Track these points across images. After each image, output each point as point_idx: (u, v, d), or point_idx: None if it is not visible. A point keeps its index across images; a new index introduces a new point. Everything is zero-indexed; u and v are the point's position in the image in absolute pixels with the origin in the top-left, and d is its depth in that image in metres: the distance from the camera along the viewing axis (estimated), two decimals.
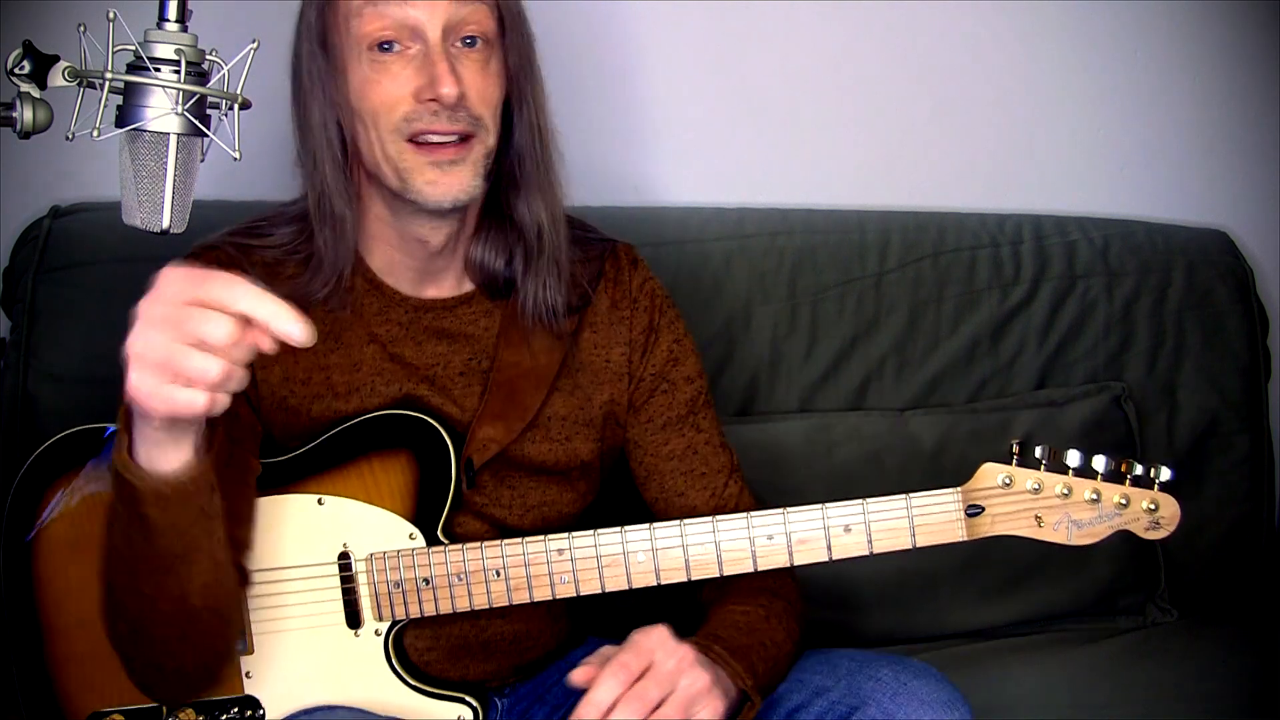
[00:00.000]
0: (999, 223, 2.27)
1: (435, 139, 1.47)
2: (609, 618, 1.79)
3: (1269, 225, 2.40)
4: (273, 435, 1.54)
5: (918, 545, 1.50)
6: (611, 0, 2.24)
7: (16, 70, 1.27)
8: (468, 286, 1.61)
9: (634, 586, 1.52)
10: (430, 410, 1.55)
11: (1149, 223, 2.33)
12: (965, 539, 1.50)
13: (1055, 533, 1.49)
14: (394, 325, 1.58)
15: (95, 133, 1.25)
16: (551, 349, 1.61)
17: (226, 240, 1.57)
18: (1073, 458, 1.48)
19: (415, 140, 1.47)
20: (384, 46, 1.47)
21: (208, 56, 1.30)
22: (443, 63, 1.46)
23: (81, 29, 1.26)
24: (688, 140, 2.30)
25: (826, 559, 1.50)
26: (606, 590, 1.52)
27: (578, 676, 1.36)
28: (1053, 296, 2.22)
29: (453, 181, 1.48)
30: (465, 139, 1.48)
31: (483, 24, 1.50)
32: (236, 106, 1.31)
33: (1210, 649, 2.05)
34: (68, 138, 1.26)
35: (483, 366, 1.59)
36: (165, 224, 1.30)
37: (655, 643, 1.38)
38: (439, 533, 1.53)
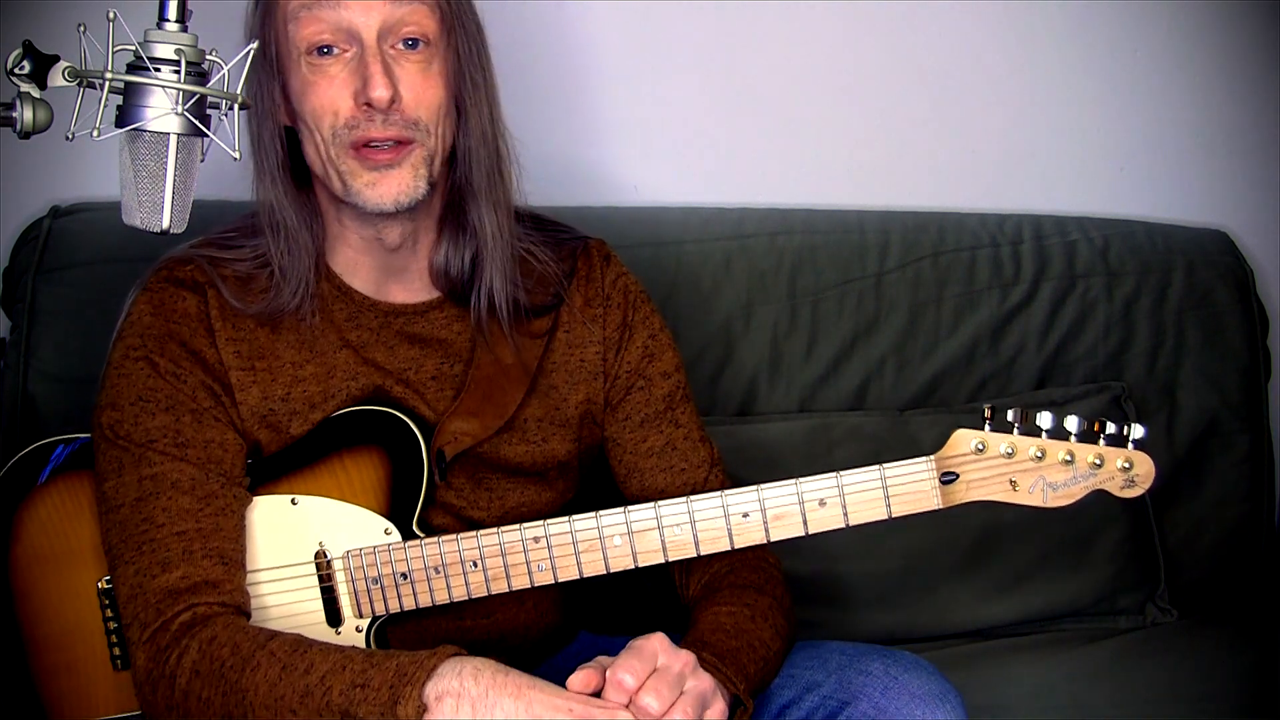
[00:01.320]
0: (999, 223, 2.27)
1: (375, 145, 1.47)
2: (602, 613, 1.79)
3: (1269, 225, 2.40)
4: (260, 450, 1.54)
5: (893, 515, 1.49)
6: (612, 0, 2.24)
7: (16, 70, 1.27)
8: (436, 293, 1.61)
9: (611, 571, 1.51)
10: (398, 405, 1.55)
11: (1149, 223, 2.33)
12: (941, 507, 1.49)
13: (1030, 496, 1.49)
14: (365, 331, 1.58)
15: (95, 133, 1.25)
16: (526, 350, 1.61)
17: (197, 254, 1.56)
18: (1045, 420, 1.47)
19: (357, 146, 1.47)
20: (323, 50, 1.47)
21: (208, 56, 1.30)
22: (376, 64, 1.46)
23: (81, 29, 1.26)
24: (688, 140, 2.30)
25: (803, 533, 1.49)
26: (585, 576, 1.51)
27: (576, 682, 1.35)
28: (1053, 296, 2.22)
29: (391, 184, 1.48)
30: (403, 143, 1.48)
31: (423, 24, 1.49)
32: (236, 106, 1.31)
33: (1210, 649, 2.05)
34: (68, 138, 1.26)
35: (455, 371, 1.59)
36: (165, 224, 1.30)
37: (657, 646, 1.36)
38: (414, 527, 1.53)
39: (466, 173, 1.55)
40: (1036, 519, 2.09)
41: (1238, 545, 2.22)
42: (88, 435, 1.57)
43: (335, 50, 1.47)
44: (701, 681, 1.37)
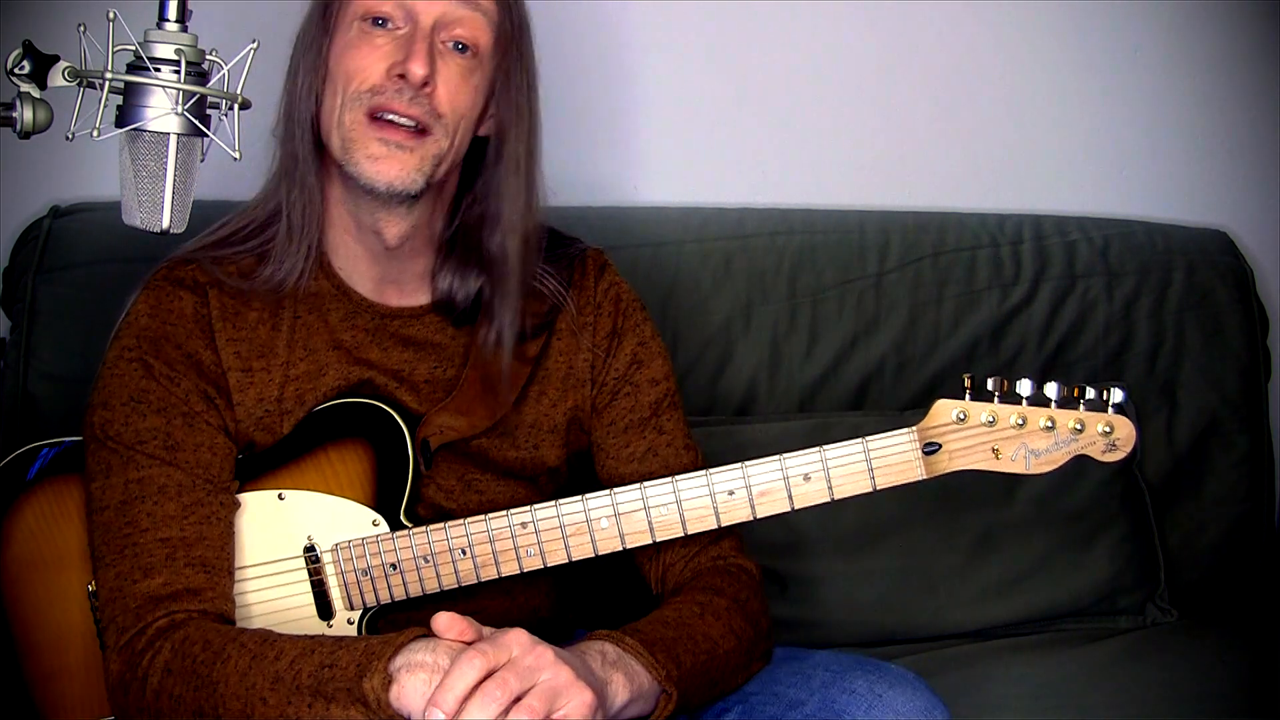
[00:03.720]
0: (999, 223, 2.27)
1: (392, 117, 1.47)
2: (597, 610, 1.79)
3: (1269, 225, 2.40)
4: (254, 449, 1.55)
5: (878, 487, 1.49)
6: (612, 0, 2.24)
7: (16, 70, 1.27)
8: (430, 299, 1.61)
9: (600, 553, 1.51)
10: (382, 396, 1.56)
11: (1149, 223, 2.33)
12: (924, 477, 1.48)
13: (1013, 463, 1.48)
14: (359, 331, 1.58)
15: (95, 133, 1.25)
16: (521, 359, 1.61)
17: (199, 255, 1.56)
18: (1024, 387, 1.47)
19: (373, 115, 1.47)
20: (378, 21, 1.49)
21: (208, 56, 1.30)
22: (423, 45, 1.47)
23: (81, 29, 1.26)
24: (688, 140, 2.30)
25: (789, 509, 1.50)
26: (573, 559, 1.52)
27: (440, 623, 1.33)
28: (1053, 296, 2.22)
29: (394, 164, 1.47)
30: (421, 132, 1.48)
31: (476, 35, 1.50)
32: (236, 106, 1.31)
33: (1210, 649, 2.05)
34: (68, 138, 1.26)
35: (448, 375, 1.59)
36: (165, 224, 1.30)
37: (513, 639, 1.33)
38: (402, 517, 1.53)
39: (496, 203, 1.55)
40: (1036, 518, 2.10)
41: (1238, 545, 2.22)
42: (75, 438, 1.57)
43: (389, 24, 1.49)
44: (558, 675, 1.31)
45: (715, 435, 1.99)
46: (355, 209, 1.54)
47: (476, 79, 1.51)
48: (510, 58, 1.53)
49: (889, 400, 2.18)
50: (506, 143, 1.54)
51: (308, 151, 1.53)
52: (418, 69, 1.46)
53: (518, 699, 1.29)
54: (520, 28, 1.55)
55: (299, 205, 1.54)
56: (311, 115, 1.52)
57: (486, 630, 1.35)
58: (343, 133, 1.49)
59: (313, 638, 1.39)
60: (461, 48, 1.50)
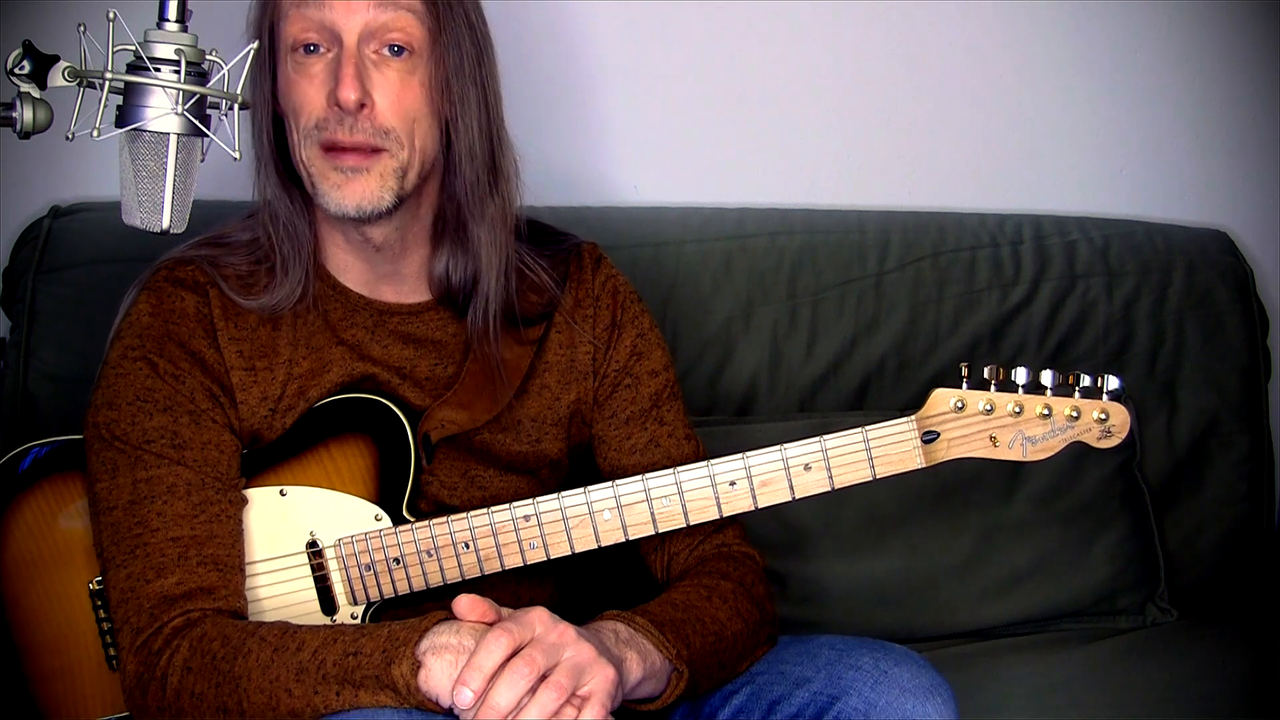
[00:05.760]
0: (999, 223, 2.27)
1: (343, 148, 1.47)
2: (602, 609, 1.80)
3: (1269, 225, 2.40)
4: (257, 445, 1.55)
5: (878, 476, 1.50)
6: (612, 0, 2.24)
7: (16, 70, 1.27)
8: (430, 295, 1.61)
9: (603, 545, 1.52)
10: (383, 392, 1.56)
11: (1149, 223, 2.33)
12: (924, 465, 1.50)
13: (1011, 451, 1.49)
14: (360, 329, 1.58)
15: (95, 133, 1.26)
16: (519, 350, 1.61)
17: (196, 254, 1.56)
18: (1021, 375, 1.48)
19: (325, 147, 1.47)
20: (308, 49, 1.48)
21: (208, 56, 1.30)
22: (349, 66, 1.45)
23: (81, 29, 1.26)
24: (688, 140, 2.30)
25: (790, 499, 1.51)
26: (576, 551, 1.52)
27: (461, 605, 1.35)
28: (1053, 296, 2.22)
29: (356, 189, 1.47)
30: (374, 150, 1.47)
31: (408, 32, 1.48)
32: (236, 106, 1.31)
33: (1210, 649, 2.05)
34: (68, 138, 1.26)
35: (449, 372, 1.60)
36: (165, 224, 1.31)
37: (536, 618, 1.35)
38: (404, 512, 1.53)
39: (463, 188, 1.55)
40: (1036, 518, 2.10)
41: (1238, 545, 2.22)
42: (65, 438, 1.57)
43: (320, 49, 1.47)
44: (581, 651, 1.33)
45: (715, 435, 1.98)
46: (340, 226, 1.55)
47: (420, 76, 1.49)
48: (442, 47, 1.50)
49: (889, 400, 2.18)
50: (459, 131, 1.53)
51: (275, 190, 1.54)
52: (348, 95, 1.44)
53: (544, 676, 1.30)
54: (453, 14, 1.51)
55: (286, 241, 1.54)
56: (272, 153, 1.53)
57: (506, 611, 1.37)
58: (307, 168, 1.49)
59: (332, 627, 1.40)
60: (397, 50, 1.48)
